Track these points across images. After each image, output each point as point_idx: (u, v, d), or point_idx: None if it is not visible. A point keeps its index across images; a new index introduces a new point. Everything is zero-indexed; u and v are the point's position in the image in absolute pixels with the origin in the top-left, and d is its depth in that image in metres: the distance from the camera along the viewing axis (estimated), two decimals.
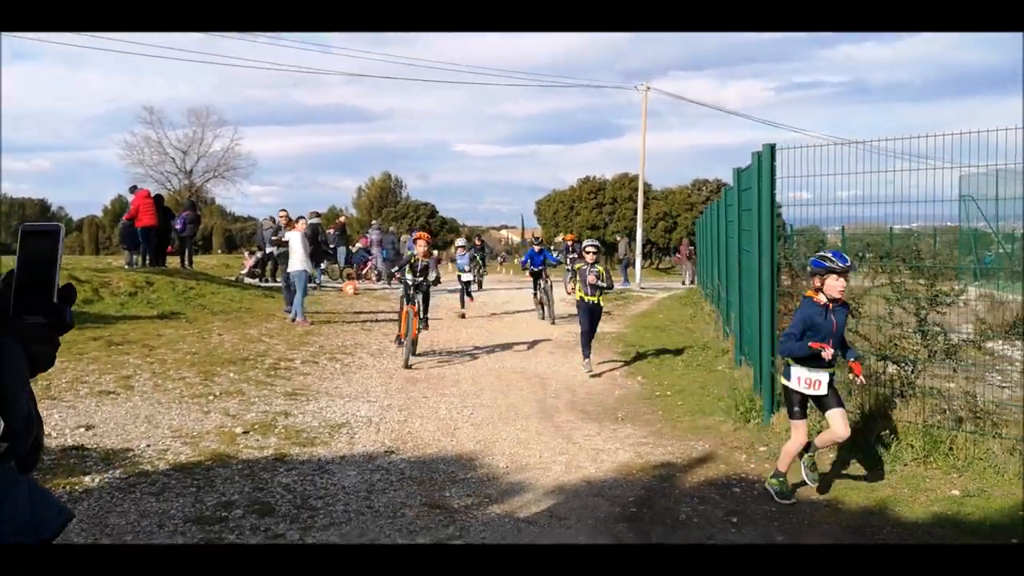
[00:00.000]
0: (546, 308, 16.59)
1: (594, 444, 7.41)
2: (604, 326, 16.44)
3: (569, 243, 22.84)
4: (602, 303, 11.25)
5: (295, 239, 14.68)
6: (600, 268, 10.98)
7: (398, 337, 11.81)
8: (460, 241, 19.15)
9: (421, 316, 11.68)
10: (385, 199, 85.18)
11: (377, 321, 16.08)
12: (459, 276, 18.44)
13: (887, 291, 7.86)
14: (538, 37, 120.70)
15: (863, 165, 7.08)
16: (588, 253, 11.10)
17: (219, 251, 49.12)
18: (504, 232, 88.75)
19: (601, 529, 5.33)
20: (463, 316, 17.26)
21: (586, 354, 10.99)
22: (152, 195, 19.23)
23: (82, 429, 7.09)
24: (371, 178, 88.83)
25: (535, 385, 10.08)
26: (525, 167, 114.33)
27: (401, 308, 11.74)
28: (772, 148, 7.40)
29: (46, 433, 6.28)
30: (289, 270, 14.95)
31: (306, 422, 7.86)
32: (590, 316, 11.00)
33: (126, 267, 18.90)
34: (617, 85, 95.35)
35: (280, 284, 17.98)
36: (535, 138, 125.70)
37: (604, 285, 10.90)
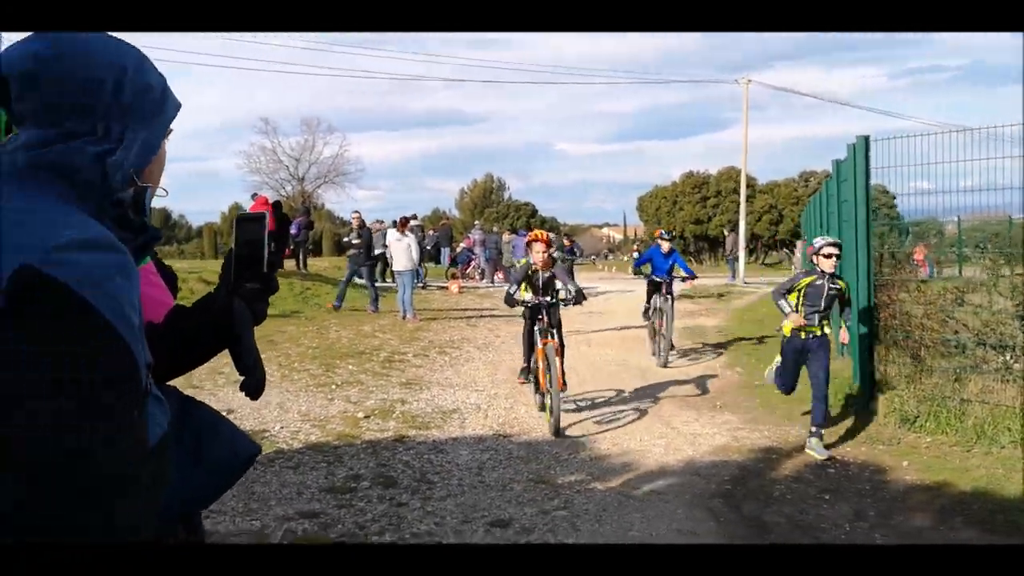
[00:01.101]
0: (660, 341, 11.37)
1: (692, 429, 7.74)
2: (706, 320, 16.66)
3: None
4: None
5: (403, 240, 15.44)
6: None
7: (529, 376, 8.57)
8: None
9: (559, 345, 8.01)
10: (487, 200, 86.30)
11: (482, 317, 16.69)
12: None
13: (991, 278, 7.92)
14: (639, 34, 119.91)
15: (979, 152, 7.08)
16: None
17: (331, 255, 51.01)
18: (605, 230, 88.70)
19: (697, 504, 5.69)
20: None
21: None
22: (270, 201, 20.42)
23: (224, 413, 7.85)
24: (473, 180, 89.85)
25: (635, 376, 10.43)
26: (628, 164, 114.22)
27: (527, 340, 8.36)
28: (866, 140, 7.57)
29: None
30: (396, 268, 15.75)
31: (421, 408, 8.46)
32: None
33: None
34: (717, 79, 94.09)
35: (390, 284, 18.86)
36: (638, 135, 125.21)
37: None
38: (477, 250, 28.15)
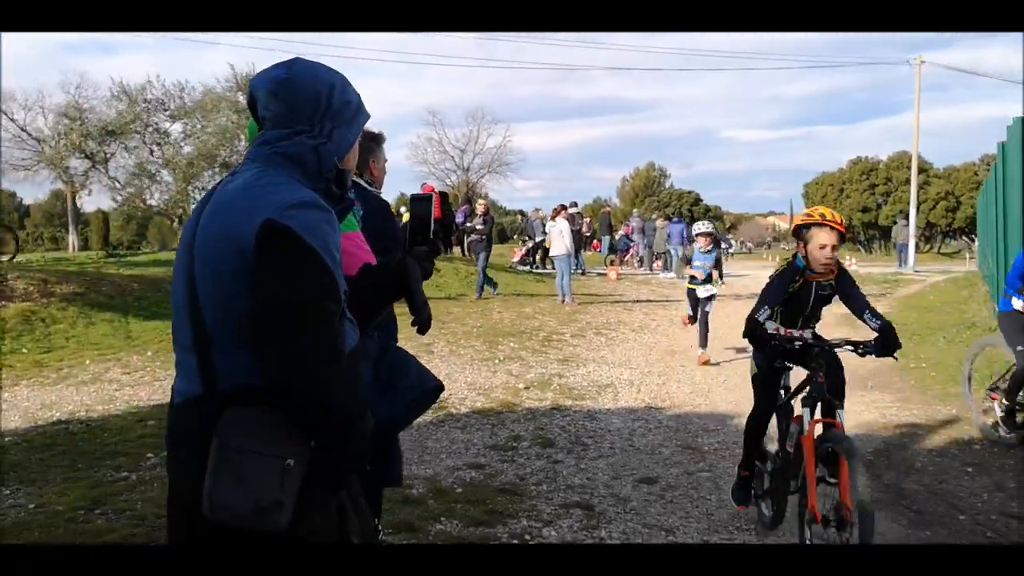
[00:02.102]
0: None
1: None
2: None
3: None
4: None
5: (559, 226, 16.06)
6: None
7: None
8: (702, 226, 10.96)
9: None
10: (649, 188, 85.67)
11: (638, 302, 17.07)
12: (691, 281, 10.89)
13: None
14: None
15: None
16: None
17: (496, 242, 52.58)
18: (771, 219, 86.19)
19: None
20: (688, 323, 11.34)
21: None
22: (437, 191, 21.52)
23: None
24: (635, 168, 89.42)
25: None
26: (798, 150, 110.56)
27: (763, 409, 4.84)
28: (1023, 120, 7.47)
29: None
30: (553, 254, 16.42)
31: (577, 382, 9.00)
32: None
33: None
34: (887, 61, 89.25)
35: (551, 269, 19.52)
36: (809, 120, 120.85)
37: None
38: (636, 237, 28.45)
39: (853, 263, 26.48)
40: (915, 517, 5.05)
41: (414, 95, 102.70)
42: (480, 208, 18.14)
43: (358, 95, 2.13)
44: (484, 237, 17.02)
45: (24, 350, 10.51)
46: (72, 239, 31.07)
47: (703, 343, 10.42)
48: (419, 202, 2.54)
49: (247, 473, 1.75)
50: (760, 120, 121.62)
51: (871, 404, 7.94)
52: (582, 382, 9.03)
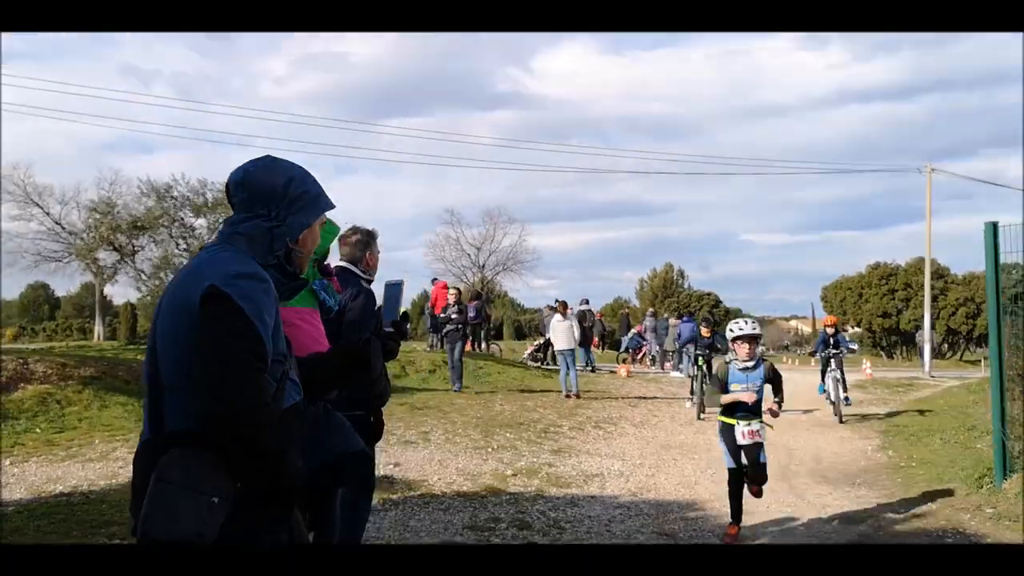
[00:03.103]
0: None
1: (824, 501, 8.04)
2: (876, 408, 16.38)
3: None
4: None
5: (564, 321, 16.52)
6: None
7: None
8: (742, 327, 6.68)
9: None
10: (668, 289, 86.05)
11: (644, 399, 17.24)
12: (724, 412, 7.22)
13: None
14: (826, 121, 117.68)
15: None
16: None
17: (510, 338, 52.86)
18: (793, 322, 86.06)
19: None
20: None
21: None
22: (448, 287, 22.07)
23: (392, 465, 8.97)
24: (653, 269, 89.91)
25: (780, 452, 10.69)
26: (817, 255, 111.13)
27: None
28: (994, 226, 7.82)
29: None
30: (558, 348, 16.80)
31: (565, 472, 9.20)
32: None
33: (427, 349, 21.81)
34: (899, 168, 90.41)
35: (555, 366, 19.78)
36: (827, 225, 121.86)
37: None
38: (648, 336, 28.73)
39: (867, 367, 26.51)
40: None
41: (433, 194, 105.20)
42: (452, 297, 17.16)
43: (318, 187, 2.54)
44: (459, 327, 16.46)
45: (38, 430, 10.90)
46: (99, 328, 31.88)
47: (736, 517, 6.68)
48: (391, 287, 2.94)
49: (174, 506, 2.06)
50: (777, 224, 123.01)
51: (856, 500, 8.08)
52: (571, 472, 9.23)
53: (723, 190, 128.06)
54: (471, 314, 22.54)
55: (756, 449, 6.52)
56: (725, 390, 6.59)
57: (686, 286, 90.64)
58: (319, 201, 2.52)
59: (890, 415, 15.06)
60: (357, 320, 4.10)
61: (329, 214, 2.65)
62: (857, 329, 51.97)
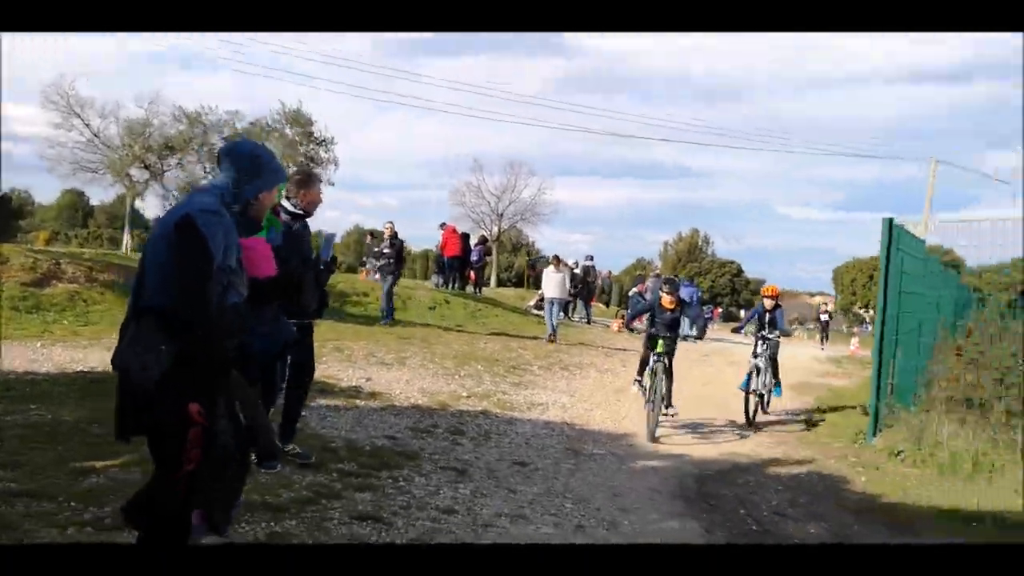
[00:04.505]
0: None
1: (729, 442, 9.32)
2: (834, 380, 17.56)
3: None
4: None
5: (558, 274, 17.89)
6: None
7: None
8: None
9: None
10: (693, 255, 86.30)
11: (624, 351, 18.47)
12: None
13: None
14: (874, 97, 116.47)
15: None
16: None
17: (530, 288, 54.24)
18: (819, 298, 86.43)
19: (670, 473, 7.41)
20: None
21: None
22: (457, 231, 23.44)
23: (363, 379, 10.37)
24: (678, 233, 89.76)
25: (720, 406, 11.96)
26: (852, 233, 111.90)
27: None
28: (890, 221, 8.97)
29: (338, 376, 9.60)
30: (548, 296, 18.17)
31: (515, 399, 10.56)
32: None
33: (432, 286, 23.33)
34: (895, 156, 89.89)
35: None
36: (867, 205, 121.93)
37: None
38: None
39: (855, 344, 27.76)
40: (708, 508, 6.51)
41: (462, 141, 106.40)
42: (387, 232, 17.40)
43: (276, 163, 3.80)
44: (391, 261, 16.89)
45: (65, 322, 12.43)
46: (127, 239, 33.59)
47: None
48: (328, 237, 4.39)
49: (137, 347, 3.36)
50: (817, 200, 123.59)
51: (756, 443, 9.38)
52: (520, 400, 10.58)
53: (763, 161, 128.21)
54: (473, 257, 23.90)
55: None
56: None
57: (710, 252, 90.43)
58: (277, 175, 3.78)
59: (839, 391, 16.22)
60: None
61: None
62: (871, 311, 52.71)
